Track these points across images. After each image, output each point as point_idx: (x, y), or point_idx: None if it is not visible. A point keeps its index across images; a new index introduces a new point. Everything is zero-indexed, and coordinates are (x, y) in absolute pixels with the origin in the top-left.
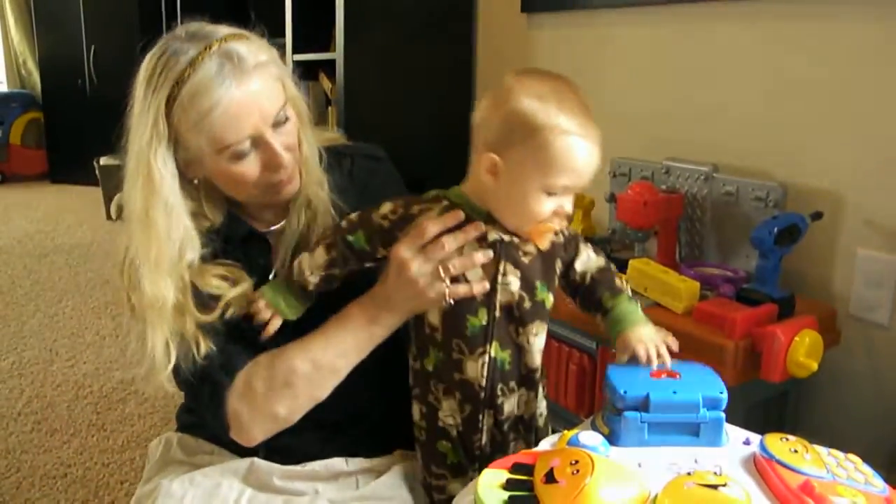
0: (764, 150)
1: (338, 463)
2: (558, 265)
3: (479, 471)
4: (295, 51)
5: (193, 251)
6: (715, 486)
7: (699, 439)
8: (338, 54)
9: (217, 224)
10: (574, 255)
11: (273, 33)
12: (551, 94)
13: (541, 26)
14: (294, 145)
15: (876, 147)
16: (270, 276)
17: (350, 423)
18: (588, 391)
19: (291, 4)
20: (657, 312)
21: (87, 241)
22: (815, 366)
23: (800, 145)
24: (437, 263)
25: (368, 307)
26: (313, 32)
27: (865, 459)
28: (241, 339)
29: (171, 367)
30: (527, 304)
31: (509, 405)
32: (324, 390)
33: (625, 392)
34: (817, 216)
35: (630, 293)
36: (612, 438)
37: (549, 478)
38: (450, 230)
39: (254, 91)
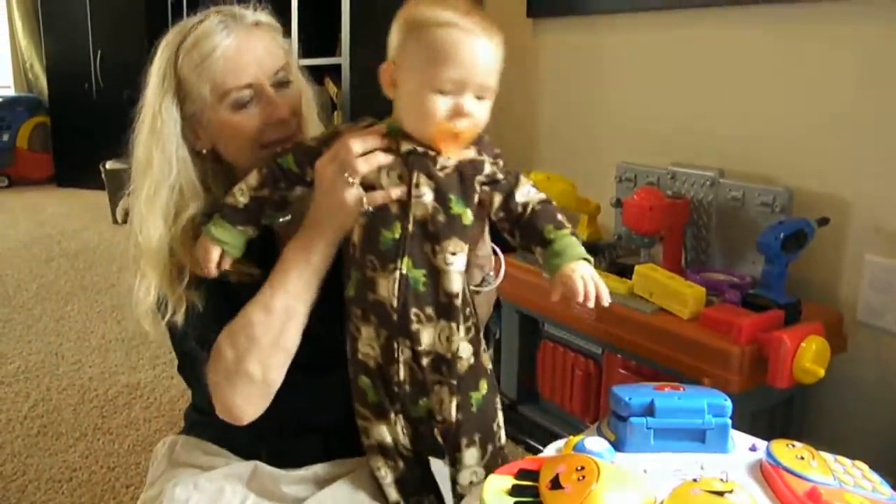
0: (770, 155)
1: (339, 466)
2: (479, 183)
3: (401, 414)
4: (301, 55)
5: (196, 206)
6: (721, 493)
7: (705, 445)
8: (343, 59)
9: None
10: (513, 186)
11: None
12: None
13: (546, 31)
14: (297, 110)
15: (883, 152)
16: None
17: (352, 426)
18: (593, 396)
19: (297, 9)
20: (663, 318)
21: (92, 244)
22: (821, 372)
23: (806, 150)
24: (349, 168)
25: (301, 238)
26: (319, 37)
27: (873, 466)
28: (227, 307)
29: (151, 300)
30: (441, 218)
31: (427, 336)
32: (288, 336)
33: (629, 399)
34: (824, 221)
35: (572, 230)
36: (618, 444)
37: (555, 484)
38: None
39: (253, 42)
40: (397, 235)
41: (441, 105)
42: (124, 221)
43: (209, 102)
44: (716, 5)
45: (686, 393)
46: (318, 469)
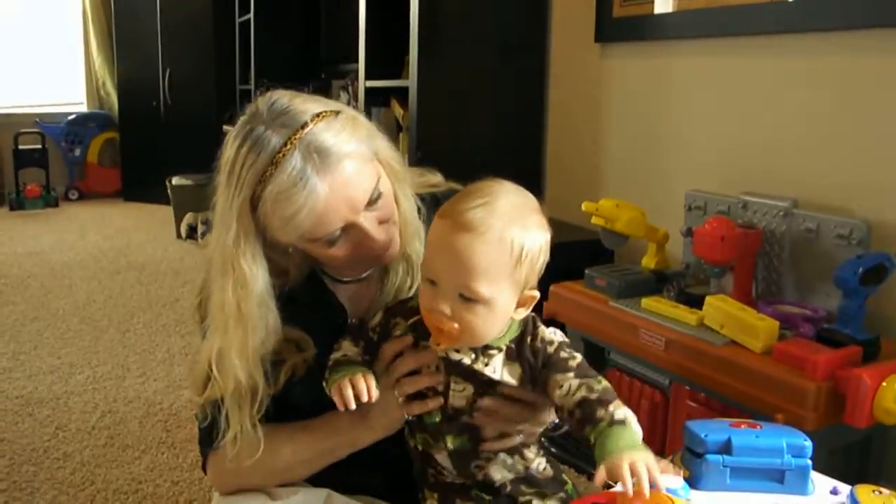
0: (847, 186)
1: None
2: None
3: None
4: (367, 77)
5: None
6: None
7: (784, 486)
8: (411, 81)
9: (295, 281)
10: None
11: (346, 59)
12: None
13: (614, 56)
14: (391, 214)
15: None
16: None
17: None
18: (659, 428)
19: (364, 31)
20: (734, 351)
21: (157, 258)
22: None
23: (885, 181)
24: (392, 384)
25: (350, 432)
26: (386, 59)
27: None
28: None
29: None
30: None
31: (497, 473)
32: (297, 478)
33: (706, 435)
34: None
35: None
36: (693, 481)
37: None
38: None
39: (340, 185)
40: (437, 419)
41: (424, 294)
42: (188, 237)
43: (297, 244)
44: (790, 31)
45: (764, 431)
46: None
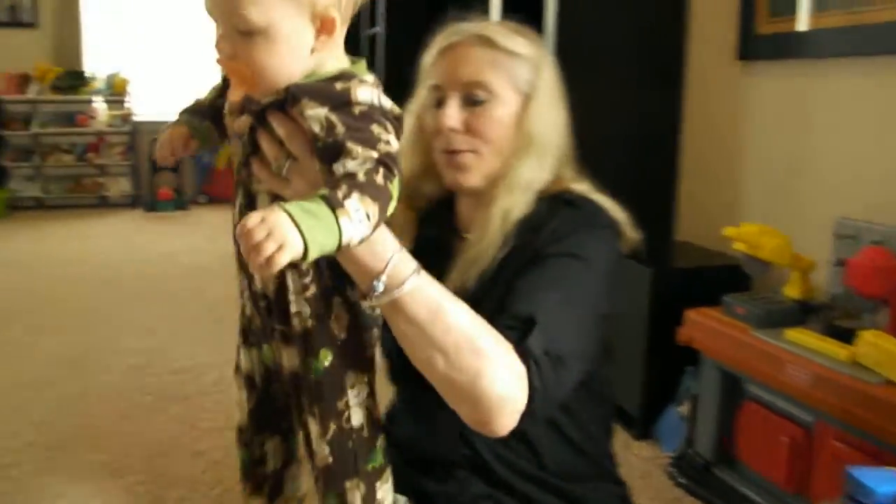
0: None
1: None
2: None
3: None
4: None
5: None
6: None
7: None
8: None
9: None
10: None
11: None
12: None
13: (757, 75)
14: (482, 133)
15: None
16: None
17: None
18: (800, 467)
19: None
20: (892, 391)
21: None
22: None
23: None
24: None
25: None
26: None
27: None
28: None
29: None
30: None
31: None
32: None
33: (875, 486)
34: None
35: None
36: None
37: None
38: None
39: (458, 49)
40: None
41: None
42: None
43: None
44: None
45: None
46: None
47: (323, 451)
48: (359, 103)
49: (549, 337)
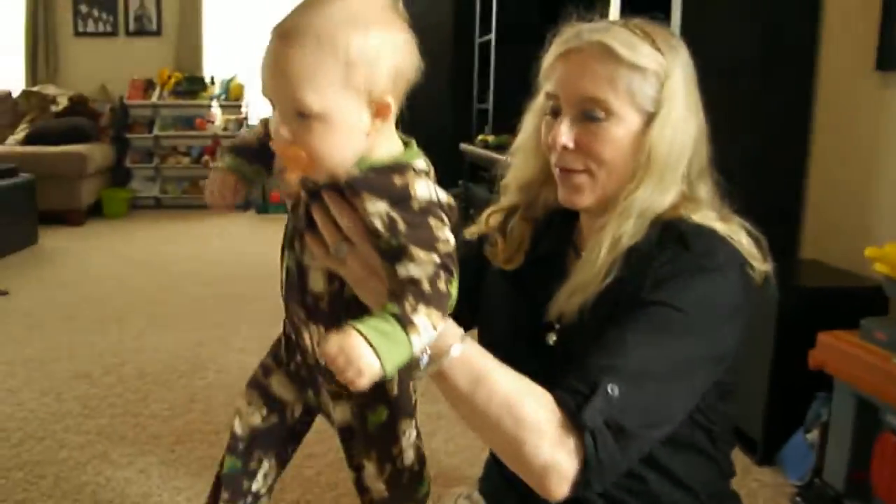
0: None
1: None
2: None
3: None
4: None
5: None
6: None
7: None
8: None
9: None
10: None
11: None
12: None
13: None
14: (596, 153)
15: None
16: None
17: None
18: None
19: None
20: None
21: None
22: None
23: None
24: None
25: None
26: None
27: None
28: None
29: None
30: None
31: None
32: None
33: None
34: None
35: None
36: None
37: None
38: None
39: (576, 57)
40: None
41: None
42: None
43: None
44: None
45: None
46: None
47: (379, 487)
48: (417, 199)
49: (615, 406)
